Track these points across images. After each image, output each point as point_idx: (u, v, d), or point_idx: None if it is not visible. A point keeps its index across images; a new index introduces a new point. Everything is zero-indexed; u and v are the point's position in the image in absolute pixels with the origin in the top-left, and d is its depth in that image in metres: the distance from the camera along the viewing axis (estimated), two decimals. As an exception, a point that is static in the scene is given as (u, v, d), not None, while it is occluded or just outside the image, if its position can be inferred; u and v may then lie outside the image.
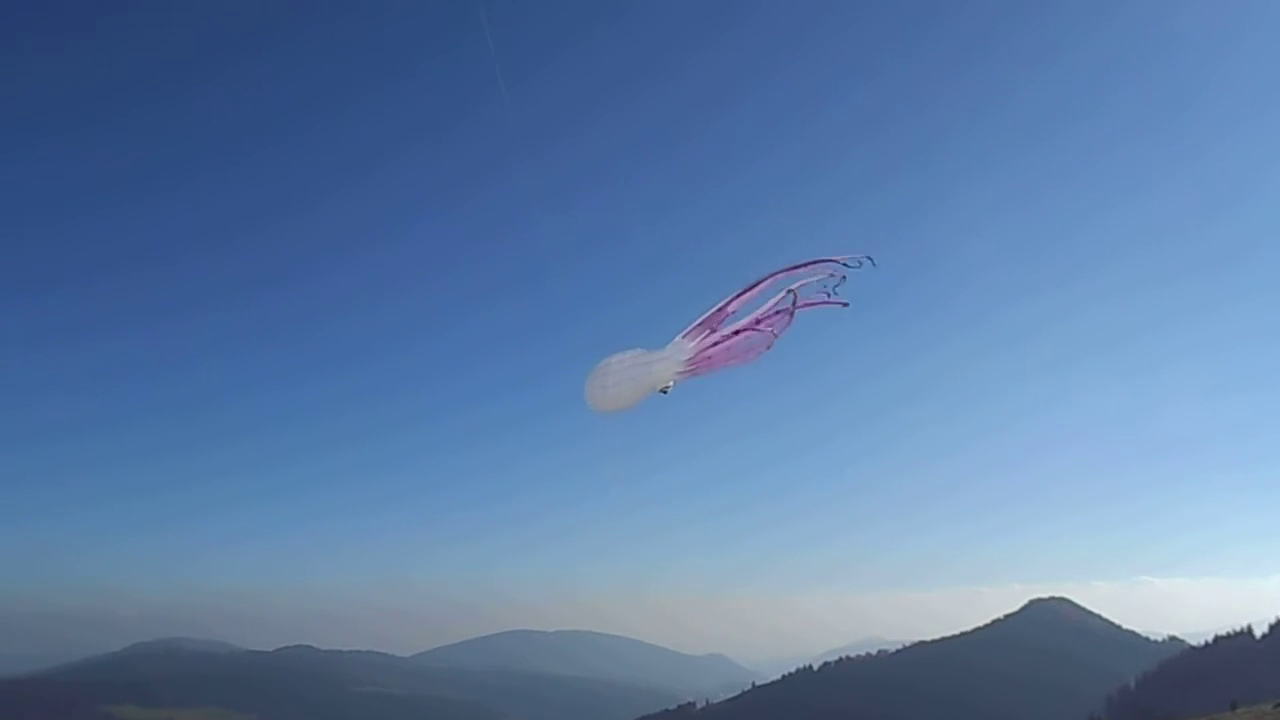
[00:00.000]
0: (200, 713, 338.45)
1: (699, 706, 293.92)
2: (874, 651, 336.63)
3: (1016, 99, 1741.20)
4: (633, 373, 16.16)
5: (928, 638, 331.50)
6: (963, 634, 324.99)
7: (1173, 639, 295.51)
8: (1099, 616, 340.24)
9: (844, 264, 16.64)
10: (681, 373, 16.21)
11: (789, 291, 16.35)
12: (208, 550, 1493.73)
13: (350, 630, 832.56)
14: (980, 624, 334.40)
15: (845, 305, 16.77)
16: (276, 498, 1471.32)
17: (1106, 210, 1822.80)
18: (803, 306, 16.50)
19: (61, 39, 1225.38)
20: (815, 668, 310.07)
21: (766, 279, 16.45)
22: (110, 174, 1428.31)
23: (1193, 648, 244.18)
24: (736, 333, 16.10)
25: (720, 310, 16.49)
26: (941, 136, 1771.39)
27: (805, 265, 16.49)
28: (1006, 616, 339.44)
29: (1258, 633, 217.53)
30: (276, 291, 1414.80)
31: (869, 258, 16.66)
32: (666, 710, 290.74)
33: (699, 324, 16.44)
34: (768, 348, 16.31)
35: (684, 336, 16.46)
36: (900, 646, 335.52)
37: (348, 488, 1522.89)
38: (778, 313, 16.34)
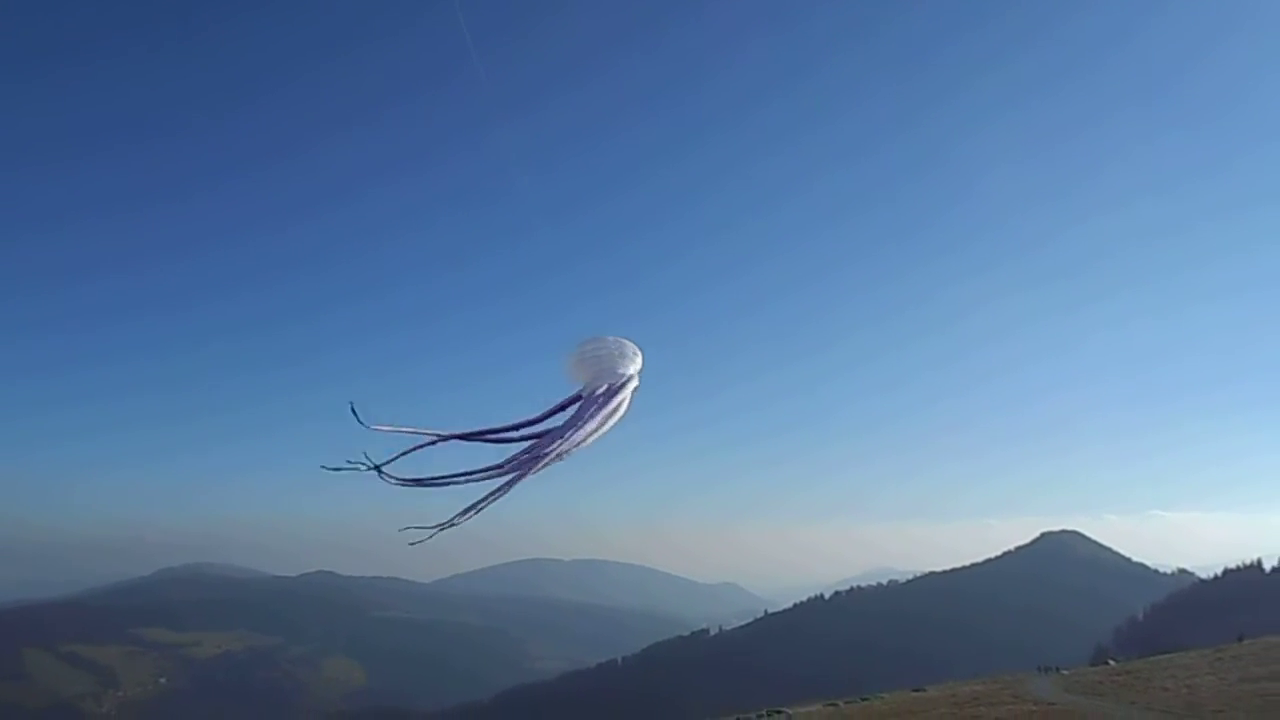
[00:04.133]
0: (226, 636, 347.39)
1: (712, 633, 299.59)
2: (885, 582, 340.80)
3: (1053, 32, 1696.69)
4: (596, 363, 15.82)
5: (939, 569, 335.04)
6: (973, 565, 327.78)
7: (1182, 572, 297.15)
8: (1109, 549, 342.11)
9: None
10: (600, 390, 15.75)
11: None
12: (233, 479, 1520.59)
13: (371, 558, 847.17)
14: (991, 555, 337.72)
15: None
16: (300, 428, 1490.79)
17: (1136, 147, 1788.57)
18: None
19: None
20: (826, 596, 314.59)
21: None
22: (133, 109, 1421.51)
23: (1201, 581, 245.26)
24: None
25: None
26: (976, 70, 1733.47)
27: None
28: (1017, 548, 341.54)
29: (1267, 566, 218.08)
30: (299, 223, 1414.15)
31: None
32: (680, 636, 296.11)
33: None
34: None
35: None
36: (911, 577, 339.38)
37: (371, 418, 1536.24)
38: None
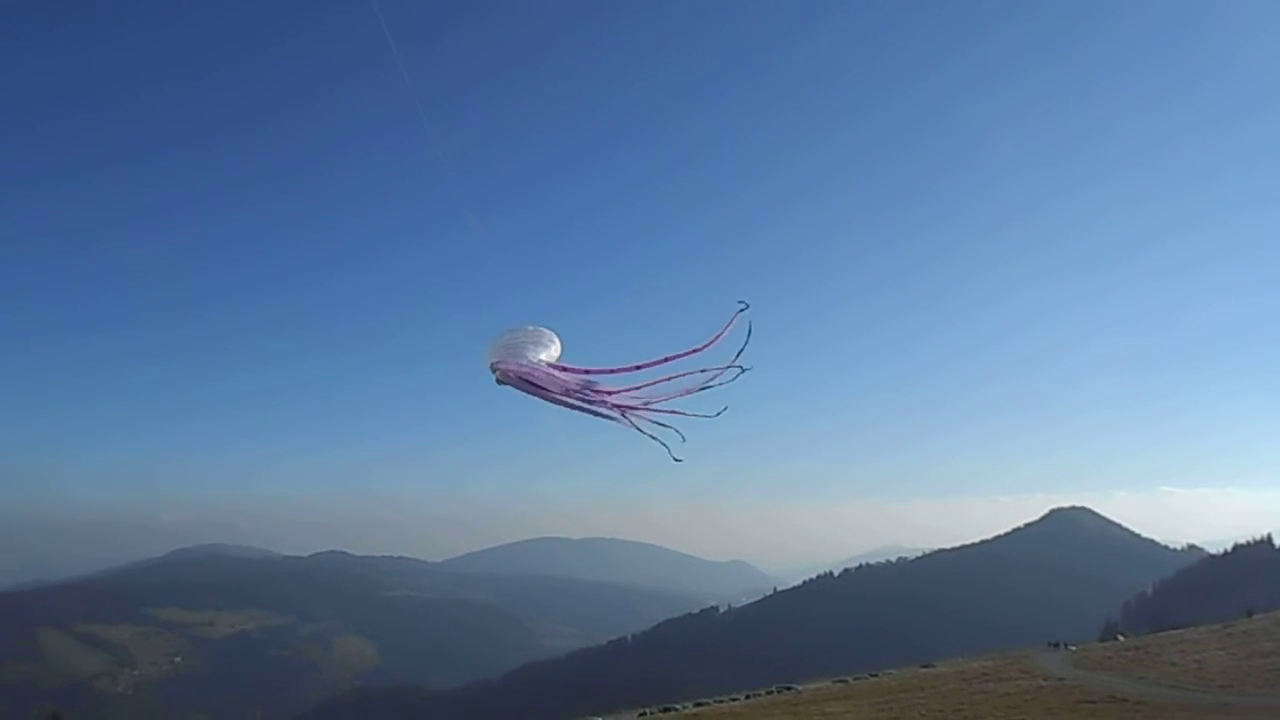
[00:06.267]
0: (239, 615, 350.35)
1: (721, 611, 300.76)
2: (894, 559, 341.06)
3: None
4: (509, 351, 15.89)
5: (947, 546, 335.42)
6: (982, 542, 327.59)
7: (1192, 548, 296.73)
8: (1119, 526, 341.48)
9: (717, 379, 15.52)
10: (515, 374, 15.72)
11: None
12: (245, 461, 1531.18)
13: (381, 538, 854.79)
14: (1000, 532, 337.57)
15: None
16: (310, 411, 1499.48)
17: (1142, 109, 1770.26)
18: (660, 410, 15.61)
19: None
20: (835, 574, 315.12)
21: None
22: (104, 75, 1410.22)
23: (1211, 556, 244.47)
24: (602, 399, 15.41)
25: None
26: (976, 32, 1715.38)
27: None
28: (1026, 525, 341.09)
29: (1277, 542, 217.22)
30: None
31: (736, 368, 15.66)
32: (690, 614, 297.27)
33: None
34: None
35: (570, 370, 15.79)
36: (920, 554, 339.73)
37: (377, 407, 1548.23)
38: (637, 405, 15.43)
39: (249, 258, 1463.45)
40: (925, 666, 60.98)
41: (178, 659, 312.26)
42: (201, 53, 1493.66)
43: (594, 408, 15.20)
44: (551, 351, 16.04)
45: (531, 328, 16.28)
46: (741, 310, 15.21)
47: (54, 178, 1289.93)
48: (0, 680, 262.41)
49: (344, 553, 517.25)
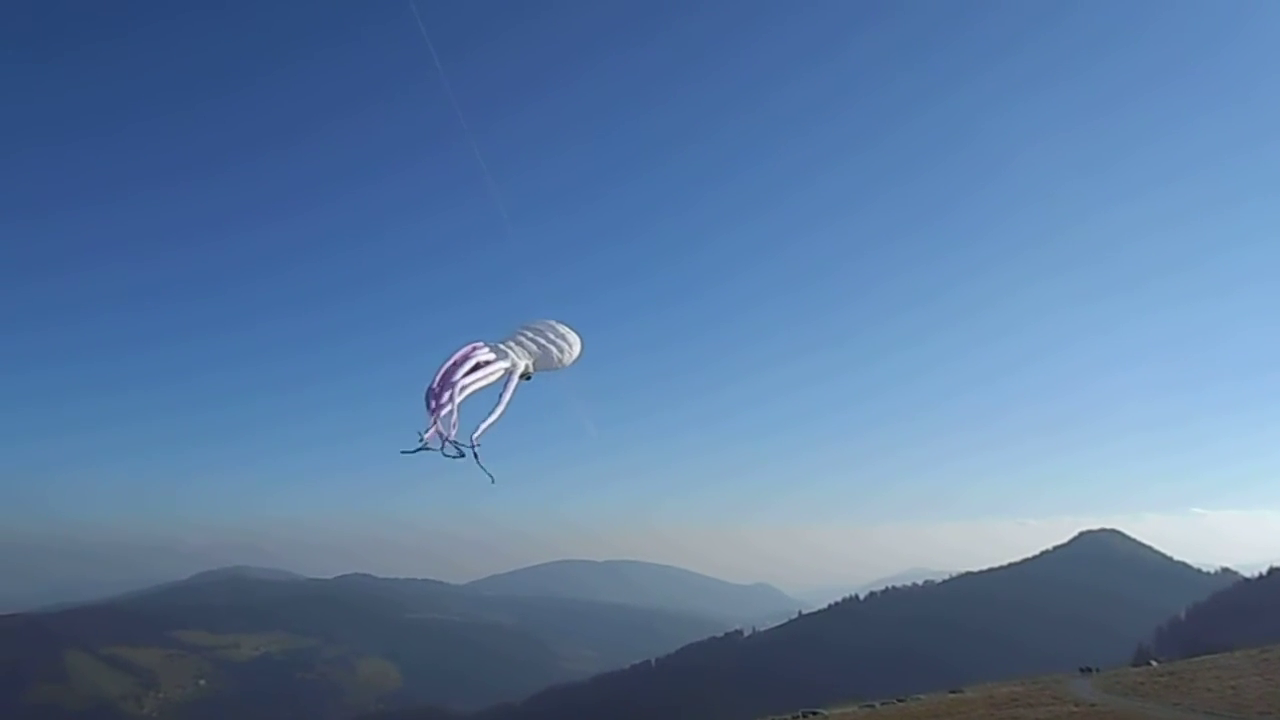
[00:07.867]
0: (264, 638, 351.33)
1: (745, 634, 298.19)
2: (920, 582, 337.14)
3: (1080, 11, 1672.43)
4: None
5: (975, 569, 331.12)
6: (1010, 565, 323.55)
7: (1225, 571, 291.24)
8: (1150, 548, 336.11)
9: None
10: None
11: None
12: (269, 484, 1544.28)
13: (404, 560, 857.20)
14: (1029, 555, 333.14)
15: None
16: (332, 437, 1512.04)
17: (1177, 126, 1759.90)
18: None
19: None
20: (861, 597, 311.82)
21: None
22: (111, 99, 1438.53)
23: (1246, 580, 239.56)
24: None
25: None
26: (1011, 43, 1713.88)
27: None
28: (1055, 548, 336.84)
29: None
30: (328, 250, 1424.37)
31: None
32: (714, 638, 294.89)
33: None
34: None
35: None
36: (947, 577, 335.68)
37: (400, 428, 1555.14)
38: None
39: (270, 279, 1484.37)
40: (953, 692, 59.89)
41: (202, 681, 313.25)
42: (225, 72, 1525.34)
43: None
44: (570, 353, 15.80)
45: (562, 327, 16.05)
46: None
47: (86, 194, 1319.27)
48: (27, 702, 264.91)
49: (367, 575, 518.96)
